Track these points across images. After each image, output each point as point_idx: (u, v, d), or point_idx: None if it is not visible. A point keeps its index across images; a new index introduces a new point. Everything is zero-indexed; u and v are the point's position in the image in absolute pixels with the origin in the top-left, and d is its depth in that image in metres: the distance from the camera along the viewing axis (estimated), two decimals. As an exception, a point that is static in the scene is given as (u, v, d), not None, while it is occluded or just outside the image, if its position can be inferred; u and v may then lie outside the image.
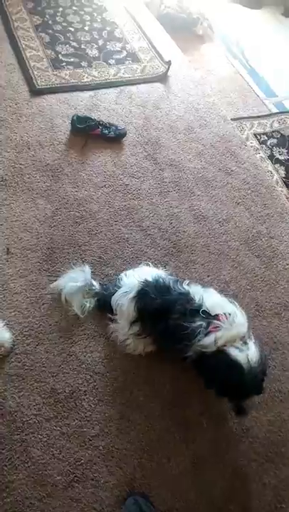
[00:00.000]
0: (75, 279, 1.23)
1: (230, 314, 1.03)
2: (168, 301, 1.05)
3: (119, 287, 1.15)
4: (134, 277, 1.15)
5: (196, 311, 1.03)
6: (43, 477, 1.02)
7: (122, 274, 1.20)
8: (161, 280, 1.11)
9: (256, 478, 1.13)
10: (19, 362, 1.15)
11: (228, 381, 0.99)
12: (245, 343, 1.01)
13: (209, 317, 1.03)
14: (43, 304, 1.27)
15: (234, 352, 0.98)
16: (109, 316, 1.20)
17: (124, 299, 1.11)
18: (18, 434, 1.05)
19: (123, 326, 1.14)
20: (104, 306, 1.22)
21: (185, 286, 1.10)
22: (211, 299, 1.07)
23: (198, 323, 1.01)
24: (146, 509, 1.00)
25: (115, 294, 1.16)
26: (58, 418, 1.09)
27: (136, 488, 1.05)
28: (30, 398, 1.10)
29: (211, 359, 0.99)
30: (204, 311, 1.03)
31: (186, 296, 1.06)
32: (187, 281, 1.13)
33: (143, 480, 1.06)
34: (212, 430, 1.16)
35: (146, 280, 1.11)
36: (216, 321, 1.01)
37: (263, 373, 1.01)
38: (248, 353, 0.97)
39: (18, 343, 1.18)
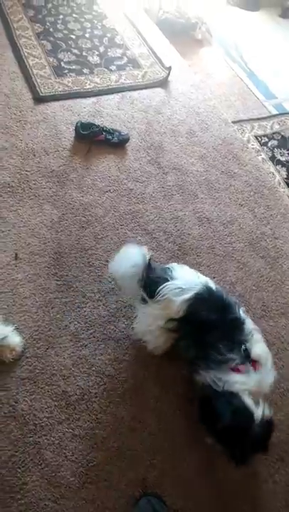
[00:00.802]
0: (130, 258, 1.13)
1: (265, 369, 1.00)
2: (221, 321, 1.03)
3: (171, 278, 1.09)
4: (192, 275, 1.12)
5: (240, 343, 1.00)
6: (56, 479, 1.03)
7: (174, 265, 1.15)
8: (221, 294, 1.07)
9: (267, 477, 1.14)
10: (30, 365, 1.17)
11: (236, 427, 0.93)
12: (258, 402, 0.98)
13: (247, 358, 0.99)
14: (52, 308, 1.29)
15: (249, 401, 0.95)
16: (145, 297, 1.11)
17: (178, 296, 1.05)
18: (30, 437, 1.07)
19: (156, 317, 1.09)
20: (144, 287, 1.12)
21: (242, 313, 1.07)
22: (260, 345, 1.03)
23: (234, 356, 0.98)
24: (160, 509, 1.01)
25: (167, 285, 1.07)
26: (69, 420, 1.11)
27: (148, 488, 1.06)
28: (42, 401, 1.12)
29: (222, 397, 0.95)
30: (246, 350, 0.99)
31: (240, 325, 1.04)
32: (243, 309, 1.10)
33: (155, 480, 1.07)
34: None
35: (207, 286, 1.08)
36: (250, 366, 0.99)
37: (270, 432, 0.99)
38: (262, 409, 0.95)
39: (28, 346, 1.20)
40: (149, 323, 1.12)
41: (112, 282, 1.37)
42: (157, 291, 1.07)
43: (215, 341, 1.00)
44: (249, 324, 1.06)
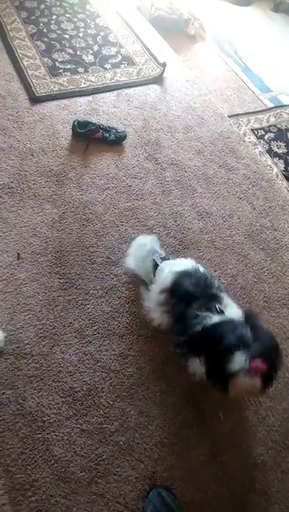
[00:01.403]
0: (143, 245, 1.33)
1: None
2: (201, 294, 1.09)
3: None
4: (189, 261, 1.22)
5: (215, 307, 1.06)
6: (66, 474, 1.04)
7: (182, 258, 1.27)
8: (206, 275, 1.16)
9: (275, 466, 1.15)
10: (36, 363, 1.17)
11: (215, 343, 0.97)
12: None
13: (221, 313, 1.06)
14: (56, 306, 1.29)
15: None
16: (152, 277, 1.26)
17: (167, 270, 1.18)
18: (39, 434, 1.08)
19: (155, 292, 1.19)
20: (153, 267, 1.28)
21: (222, 294, 1.13)
22: (233, 310, 1.09)
23: (210, 313, 1.04)
24: (170, 501, 1.02)
25: (163, 263, 1.23)
26: (77, 416, 1.11)
27: (158, 481, 1.07)
28: (49, 398, 1.13)
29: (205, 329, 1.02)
30: (221, 311, 1.05)
31: (218, 298, 1.10)
32: (224, 293, 1.15)
33: (164, 473, 1.08)
34: (229, 421, 1.18)
35: (197, 268, 1.17)
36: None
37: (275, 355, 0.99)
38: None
39: (34, 345, 1.20)
40: (151, 299, 1.22)
41: (115, 279, 1.38)
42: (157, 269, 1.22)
43: (194, 310, 1.07)
44: (227, 300, 1.11)
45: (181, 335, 1.08)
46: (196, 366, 1.07)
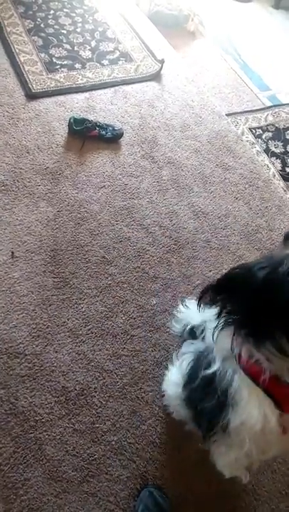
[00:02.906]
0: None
1: None
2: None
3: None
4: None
5: None
6: (58, 473, 1.04)
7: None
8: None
9: (265, 466, 1.15)
10: (29, 363, 1.17)
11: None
12: None
13: None
14: (50, 305, 1.29)
15: None
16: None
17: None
18: (31, 433, 1.08)
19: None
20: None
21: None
22: None
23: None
24: (161, 501, 1.02)
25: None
26: (70, 415, 1.12)
27: (149, 480, 1.07)
28: (41, 397, 1.13)
29: None
30: None
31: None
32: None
33: (156, 472, 1.09)
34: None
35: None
36: None
37: None
38: None
39: (27, 344, 1.20)
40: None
41: (109, 278, 1.38)
42: None
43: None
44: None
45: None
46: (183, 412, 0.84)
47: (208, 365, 0.71)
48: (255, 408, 0.62)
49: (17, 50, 2.01)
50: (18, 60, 1.96)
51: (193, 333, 0.99)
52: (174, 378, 0.97)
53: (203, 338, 0.85)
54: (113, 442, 1.10)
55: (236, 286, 0.61)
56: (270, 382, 0.60)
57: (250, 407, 0.62)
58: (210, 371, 0.70)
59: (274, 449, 0.68)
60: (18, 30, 2.13)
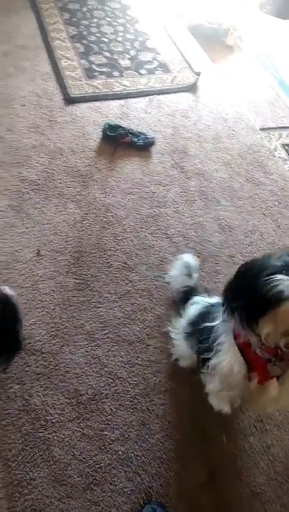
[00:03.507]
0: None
1: None
2: None
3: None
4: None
5: None
6: (63, 477, 1.04)
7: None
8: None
9: (275, 499, 1.10)
10: (45, 361, 1.18)
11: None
12: None
13: None
14: (70, 306, 1.30)
15: None
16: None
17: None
18: (41, 432, 1.08)
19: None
20: None
21: None
22: None
23: None
24: (164, 518, 0.99)
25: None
26: (80, 419, 1.11)
27: (153, 496, 1.05)
28: (54, 397, 1.13)
29: None
30: None
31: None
32: None
33: (160, 489, 1.06)
34: (232, 445, 1.14)
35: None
36: None
37: None
38: None
39: (44, 342, 1.22)
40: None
41: (129, 284, 1.38)
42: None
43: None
44: None
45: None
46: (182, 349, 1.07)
47: (213, 320, 0.98)
48: (227, 357, 0.89)
49: (59, 55, 2.08)
50: (59, 65, 2.03)
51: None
52: (182, 323, 1.18)
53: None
54: (120, 452, 1.09)
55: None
56: (243, 345, 0.86)
57: (225, 356, 0.90)
58: (212, 324, 0.97)
59: (237, 389, 0.93)
60: (61, 36, 2.21)
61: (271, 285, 0.71)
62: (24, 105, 1.82)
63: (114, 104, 1.93)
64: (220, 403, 0.98)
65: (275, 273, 0.73)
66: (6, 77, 1.93)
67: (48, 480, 1.03)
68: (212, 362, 0.93)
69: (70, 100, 1.87)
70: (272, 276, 0.72)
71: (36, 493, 1.01)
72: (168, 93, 2.03)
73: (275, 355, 0.82)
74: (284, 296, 0.71)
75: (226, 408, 0.97)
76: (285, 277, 0.72)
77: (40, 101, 1.85)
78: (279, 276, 0.72)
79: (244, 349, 0.86)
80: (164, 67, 2.17)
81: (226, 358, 0.88)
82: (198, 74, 2.13)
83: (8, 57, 2.03)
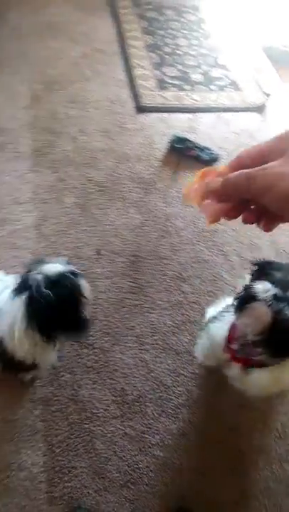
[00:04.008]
0: None
1: None
2: None
3: None
4: None
5: None
6: (102, 471, 1.08)
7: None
8: None
9: None
10: (96, 356, 1.24)
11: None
12: None
13: None
14: (123, 307, 1.35)
15: None
16: None
17: None
18: (86, 424, 1.13)
19: None
20: None
21: None
22: None
23: None
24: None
25: None
26: (123, 418, 1.16)
27: (185, 504, 1.07)
28: (101, 392, 1.18)
29: None
30: None
31: None
32: None
33: (193, 499, 1.08)
34: (268, 470, 1.14)
35: None
36: None
37: None
38: None
39: (97, 338, 1.27)
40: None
41: (182, 295, 1.41)
42: None
43: None
44: None
45: None
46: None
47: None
48: (220, 326, 1.05)
49: (134, 64, 2.16)
50: (133, 73, 2.11)
51: None
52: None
53: None
54: (159, 457, 1.12)
55: None
56: (233, 325, 1.01)
57: (220, 324, 1.07)
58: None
59: (217, 351, 1.06)
60: (138, 44, 2.29)
61: (251, 287, 0.86)
62: (98, 109, 1.91)
63: (183, 117, 1.97)
64: (201, 355, 1.22)
65: (264, 280, 0.87)
66: (84, 79, 2.03)
67: (88, 471, 1.08)
68: (210, 324, 1.12)
69: (141, 109, 1.94)
70: (257, 282, 0.87)
71: (76, 482, 1.06)
72: (236, 111, 2.05)
73: (242, 344, 0.95)
74: (254, 297, 0.85)
75: (201, 358, 1.23)
76: (264, 284, 0.85)
77: (112, 106, 1.93)
78: (260, 283, 0.86)
79: (232, 328, 1.00)
80: (234, 85, 2.20)
81: (219, 326, 1.06)
82: (267, 95, 2.14)
83: (87, 59, 2.14)
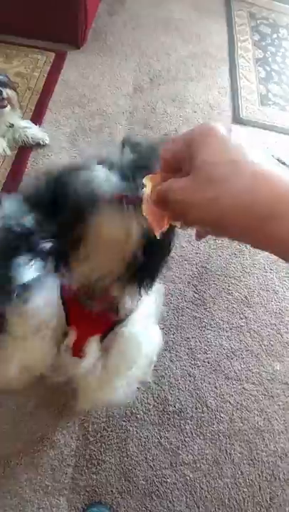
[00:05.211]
0: None
1: None
2: None
3: None
4: None
5: None
6: (130, 474, 1.06)
7: None
8: None
9: None
10: (146, 358, 1.22)
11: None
12: None
13: None
14: (182, 316, 1.32)
15: None
16: None
17: None
18: (124, 421, 1.12)
19: None
20: None
21: None
22: None
23: None
24: None
25: None
26: (160, 427, 1.13)
27: (204, 537, 1.03)
28: (144, 394, 1.16)
29: None
30: None
31: None
32: None
33: (213, 534, 1.03)
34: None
35: None
36: None
37: None
38: None
39: (151, 340, 1.25)
40: None
41: (244, 320, 1.35)
42: None
43: None
44: None
45: None
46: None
47: None
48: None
49: (240, 74, 2.11)
50: (238, 83, 2.06)
51: None
52: None
53: None
54: (188, 478, 1.08)
55: None
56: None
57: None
58: None
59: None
60: (247, 55, 2.24)
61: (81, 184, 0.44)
62: (195, 112, 1.89)
63: (279, 138, 1.90)
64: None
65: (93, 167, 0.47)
66: (188, 79, 2.02)
67: (116, 469, 1.06)
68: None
69: (238, 121, 1.89)
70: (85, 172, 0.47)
71: (102, 476, 1.05)
72: None
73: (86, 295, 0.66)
74: (97, 198, 0.44)
75: None
76: (104, 171, 0.46)
77: (210, 112, 1.90)
78: (96, 170, 0.46)
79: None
80: None
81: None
82: None
83: (194, 59, 2.12)
